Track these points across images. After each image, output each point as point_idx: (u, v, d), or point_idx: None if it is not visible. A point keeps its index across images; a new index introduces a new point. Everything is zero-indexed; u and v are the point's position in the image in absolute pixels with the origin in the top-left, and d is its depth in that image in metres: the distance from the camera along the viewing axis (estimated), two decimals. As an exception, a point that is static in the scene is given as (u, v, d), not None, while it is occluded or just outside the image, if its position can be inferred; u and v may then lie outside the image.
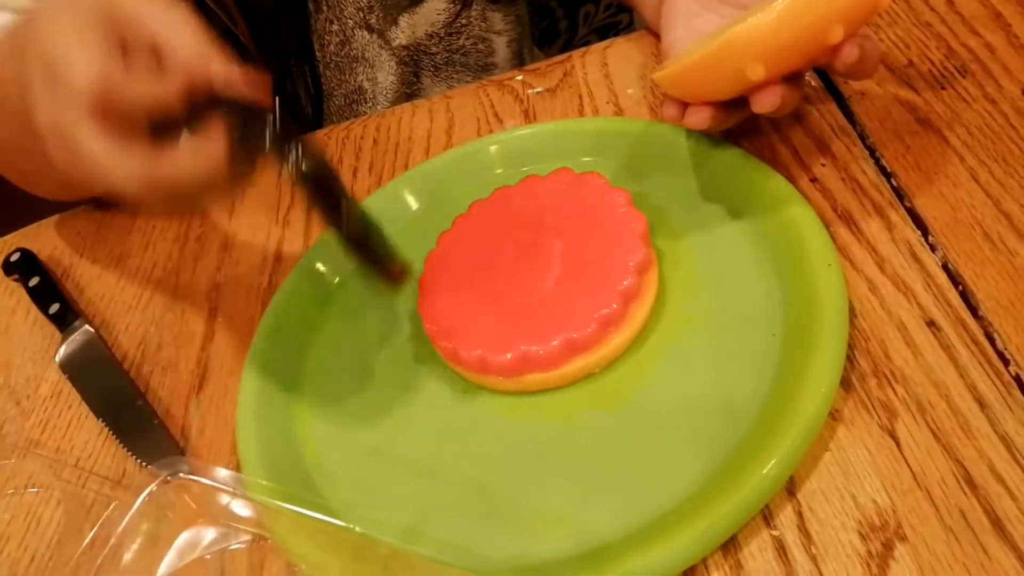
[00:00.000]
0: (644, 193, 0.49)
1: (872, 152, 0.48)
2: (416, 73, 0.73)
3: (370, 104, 0.73)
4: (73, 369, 0.52)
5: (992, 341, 0.39)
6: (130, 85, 0.36)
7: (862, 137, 0.49)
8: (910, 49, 0.53)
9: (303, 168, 0.37)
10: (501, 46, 0.74)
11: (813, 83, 0.54)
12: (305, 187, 0.38)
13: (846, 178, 0.47)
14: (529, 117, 0.60)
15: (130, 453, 0.47)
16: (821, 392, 0.37)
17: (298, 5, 0.68)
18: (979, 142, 0.47)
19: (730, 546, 0.36)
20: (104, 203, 0.66)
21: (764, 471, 0.35)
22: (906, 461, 0.36)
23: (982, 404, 0.37)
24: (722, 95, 0.44)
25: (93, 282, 0.60)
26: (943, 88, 0.50)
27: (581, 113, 0.59)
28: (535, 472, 0.40)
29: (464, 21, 0.71)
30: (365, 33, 0.69)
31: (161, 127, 0.37)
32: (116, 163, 0.35)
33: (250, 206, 0.62)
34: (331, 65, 0.71)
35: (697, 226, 0.48)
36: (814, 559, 0.34)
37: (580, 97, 0.60)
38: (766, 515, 0.36)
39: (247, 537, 0.36)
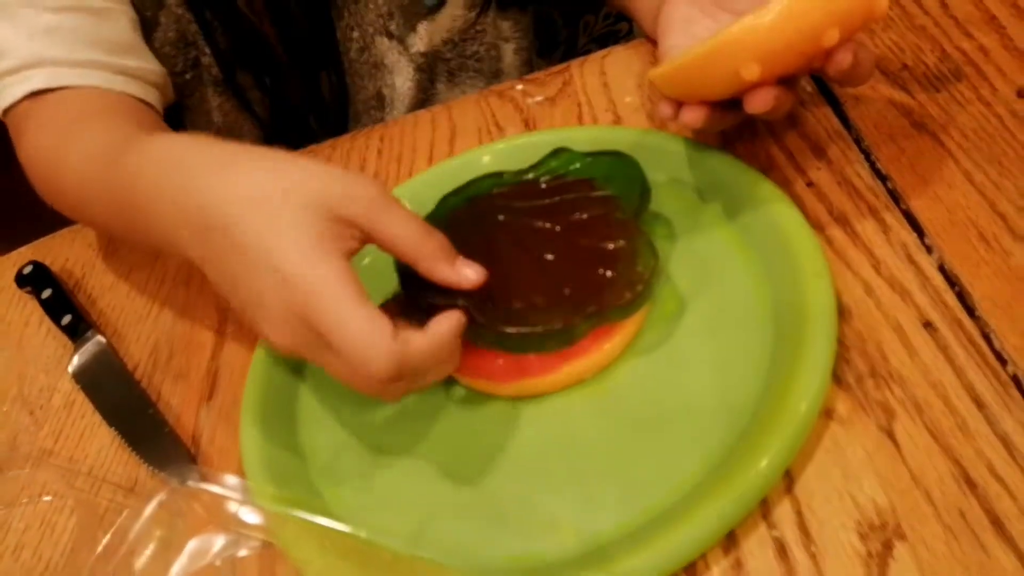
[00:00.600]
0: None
1: (867, 155, 0.49)
2: (432, 79, 0.74)
3: (388, 110, 0.74)
4: (85, 379, 0.53)
5: (989, 341, 0.39)
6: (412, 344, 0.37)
7: (857, 140, 0.50)
8: (904, 52, 0.54)
9: None
10: (508, 53, 0.75)
11: (808, 88, 0.54)
12: None
13: (841, 181, 0.48)
14: (529, 126, 0.61)
15: (142, 461, 0.47)
16: (812, 390, 0.37)
17: (323, 12, 0.69)
18: (974, 144, 0.47)
19: (730, 545, 0.36)
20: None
21: (759, 467, 0.36)
22: (904, 461, 0.37)
23: (980, 404, 0.37)
24: (716, 95, 0.45)
25: (105, 293, 0.60)
26: (938, 91, 0.51)
27: (580, 121, 0.60)
28: (535, 474, 0.41)
29: (480, 27, 0.71)
30: (385, 40, 0.70)
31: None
32: (372, 342, 0.36)
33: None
34: (351, 71, 0.72)
35: (690, 232, 0.49)
36: (814, 558, 0.35)
37: (579, 106, 0.61)
38: (766, 514, 0.37)
39: (256, 543, 0.37)
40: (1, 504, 0.48)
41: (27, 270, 0.62)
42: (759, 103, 0.42)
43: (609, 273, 0.43)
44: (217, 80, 0.70)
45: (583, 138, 0.55)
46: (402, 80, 0.73)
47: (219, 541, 0.37)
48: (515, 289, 0.43)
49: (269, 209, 0.38)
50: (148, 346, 0.55)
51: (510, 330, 0.42)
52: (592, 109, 0.60)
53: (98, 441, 0.51)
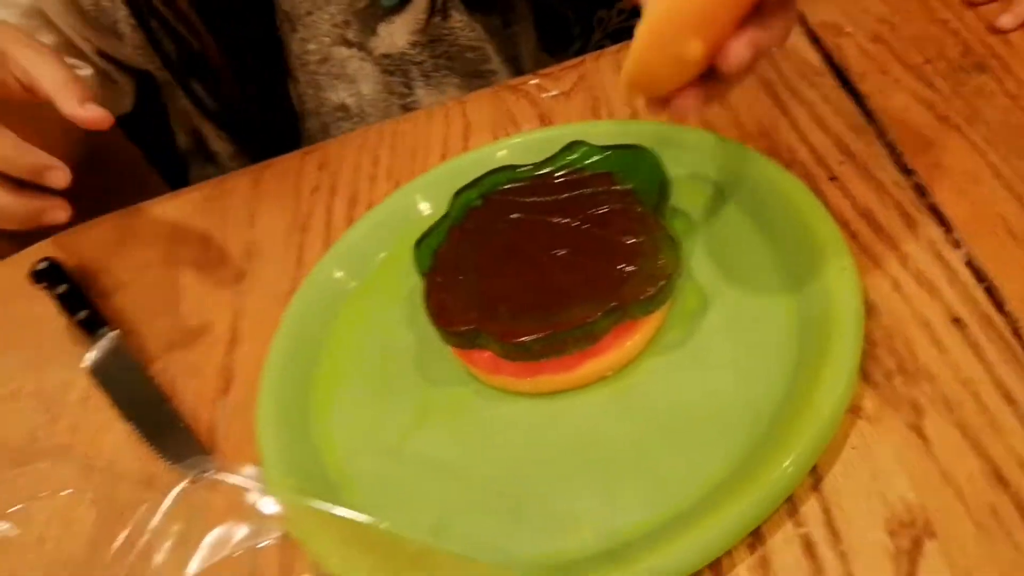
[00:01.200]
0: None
1: (892, 149, 0.48)
2: (407, 84, 0.73)
3: (356, 119, 0.73)
4: (101, 374, 0.53)
5: (1019, 336, 0.39)
6: None
7: (881, 134, 0.49)
8: (927, 47, 0.53)
9: None
10: (492, 53, 0.74)
11: (830, 82, 0.54)
12: None
13: (866, 175, 0.48)
14: (544, 121, 0.61)
15: (158, 456, 0.47)
16: (838, 387, 0.37)
17: (268, 26, 0.68)
18: (1001, 138, 0.47)
19: (756, 543, 0.36)
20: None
21: (784, 465, 0.35)
22: (934, 458, 0.36)
23: (1010, 400, 0.37)
24: (682, 79, 0.39)
25: (119, 289, 0.60)
26: (962, 85, 0.50)
27: (596, 116, 0.59)
28: (556, 471, 0.41)
29: (445, 30, 0.70)
30: (343, 49, 0.70)
31: None
32: None
33: (271, 212, 0.62)
34: (312, 84, 0.71)
35: (711, 226, 0.48)
36: (842, 556, 0.34)
37: (595, 100, 0.61)
38: (792, 512, 0.36)
39: (276, 534, 0.37)
40: (23, 498, 0.48)
41: (42, 266, 0.61)
42: (732, 62, 0.36)
43: (630, 268, 0.43)
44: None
45: (600, 132, 0.54)
46: (369, 86, 0.72)
47: (239, 532, 0.37)
48: (534, 289, 0.43)
49: None
50: (163, 341, 0.55)
51: (527, 339, 0.41)
52: (608, 104, 0.60)
53: (114, 436, 0.50)
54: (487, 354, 0.43)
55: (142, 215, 0.67)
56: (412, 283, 0.49)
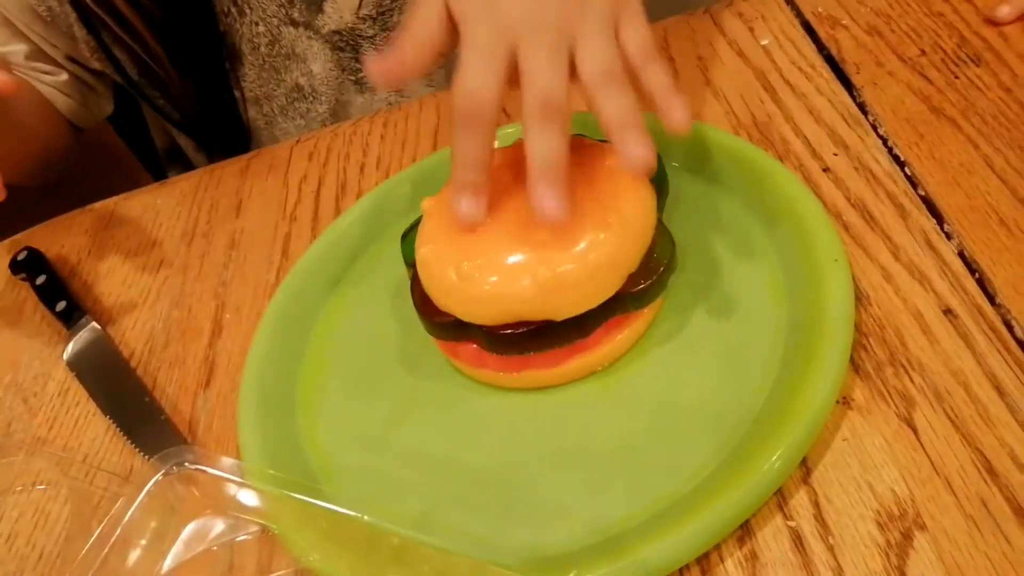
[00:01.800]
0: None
1: (884, 141, 0.48)
2: (357, 59, 0.72)
3: (311, 99, 0.73)
4: (80, 367, 0.52)
5: (1010, 328, 0.38)
6: None
7: (874, 127, 0.49)
8: (922, 38, 0.53)
9: None
10: None
11: (824, 74, 0.53)
12: None
13: (859, 167, 0.47)
14: (537, 111, 0.60)
15: (137, 449, 0.46)
16: (828, 378, 0.36)
17: (209, 19, 0.68)
18: (994, 130, 0.46)
19: (745, 536, 0.35)
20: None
21: (773, 457, 0.35)
22: (924, 450, 0.35)
23: (1001, 391, 0.36)
24: None
25: (100, 280, 0.59)
26: (956, 77, 0.50)
27: (590, 107, 0.59)
28: (544, 465, 0.40)
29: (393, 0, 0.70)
30: (291, 29, 0.69)
31: None
32: None
33: (257, 202, 0.61)
34: (266, 67, 0.71)
35: (705, 219, 0.48)
36: (831, 549, 0.34)
37: (588, 91, 0.60)
38: (782, 505, 0.35)
39: (255, 528, 0.36)
40: (-6, 492, 0.47)
41: (21, 256, 0.60)
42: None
43: None
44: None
45: (595, 124, 0.53)
46: (320, 64, 0.71)
47: (217, 526, 0.36)
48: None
49: None
50: (144, 333, 0.54)
51: (514, 331, 0.40)
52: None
53: (93, 429, 0.49)
54: (472, 347, 0.42)
55: (126, 205, 0.66)
56: (399, 274, 0.48)
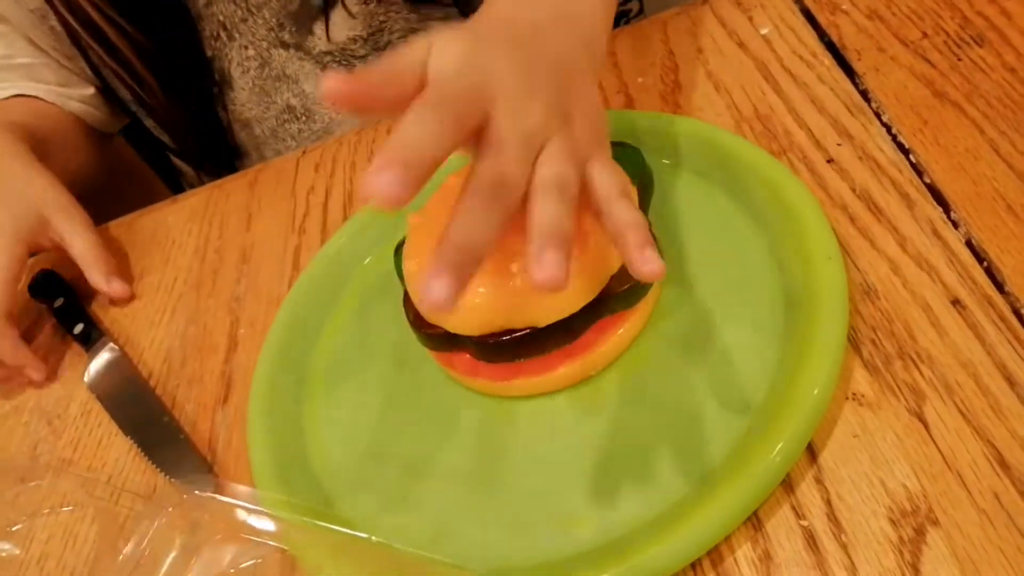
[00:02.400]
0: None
1: (888, 129, 0.47)
2: None
3: (304, 119, 0.74)
4: (100, 389, 0.53)
5: (1020, 317, 0.38)
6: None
7: (878, 114, 0.48)
8: (924, 21, 0.52)
9: None
10: None
11: (826, 62, 0.53)
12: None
13: (863, 156, 0.47)
14: (540, 112, 0.60)
15: (159, 470, 0.47)
16: (824, 371, 0.36)
17: (195, 42, 0.69)
18: (999, 113, 0.46)
19: (758, 537, 0.35)
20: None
21: (777, 446, 0.35)
22: (935, 444, 0.35)
23: (1012, 382, 0.36)
24: None
25: (117, 300, 0.60)
26: (959, 59, 0.49)
27: (591, 105, 0.58)
28: (548, 470, 0.40)
29: (381, 17, 0.70)
30: (282, 51, 0.70)
31: None
32: None
33: (266, 215, 0.62)
34: (256, 89, 0.72)
35: (698, 217, 0.47)
36: (844, 547, 0.34)
37: (590, 89, 0.60)
38: (794, 504, 0.36)
39: (271, 552, 0.37)
40: (24, 514, 0.48)
41: (39, 279, 0.61)
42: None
43: None
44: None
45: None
46: (312, 85, 0.72)
47: (234, 551, 0.37)
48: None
49: None
50: (161, 352, 0.55)
51: (504, 338, 0.40)
52: (603, 91, 0.59)
53: (116, 449, 0.50)
54: (466, 357, 0.43)
55: (140, 223, 0.67)
56: (398, 286, 0.48)
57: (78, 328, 0.56)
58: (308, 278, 0.53)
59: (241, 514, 0.35)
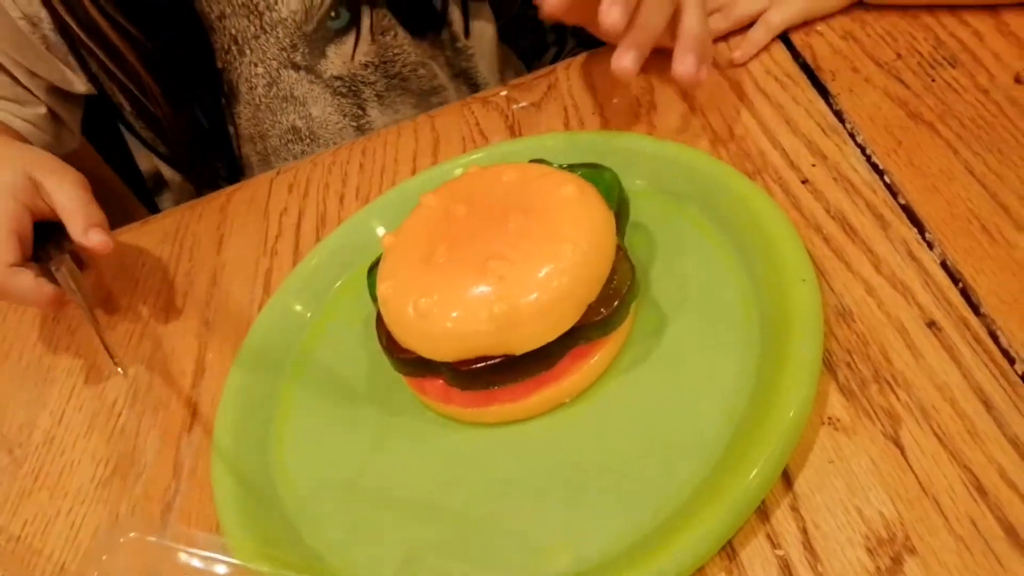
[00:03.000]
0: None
1: (863, 150, 0.47)
2: (360, 106, 0.72)
3: (308, 141, 0.73)
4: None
5: (996, 339, 0.37)
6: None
7: (852, 135, 0.48)
8: (898, 42, 0.52)
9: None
10: (438, 69, 0.73)
11: (800, 82, 0.52)
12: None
13: (838, 177, 0.46)
14: (515, 132, 0.60)
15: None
16: (799, 396, 0.36)
17: (206, 55, 0.68)
18: (972, 133, 0.45)
19: (733, 567, 0.34)
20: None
21: (752, 472, 0.34)
22: (912, 469, 0.35)
23: (988, 406, 0.35)
24: None
25: (84, 324, 0.59)
26: (933, 80, 0.49)
27: (567, 126, 0.58)
28: (521, 500, 0.39)
29: (395, 50, 0.70)
30: (292, 72, 0.69)
31: None
32: None
33: (238, 237, 0.61)
34: (262, 107, 0.71)
35: (672, 240, 0.47)
36: (821, 577, 0.33)
37: (565, 109, 0.59)
38: (770, 534, 0.35)
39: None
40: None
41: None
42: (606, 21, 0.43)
43: None
44: None
45: (562, 146, 0.53)
46: (319, 108, 0.71)
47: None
48: None
49: None
50: (128, 377, 0.54)
51: (478, 365, 0.39)
52: (579, 112, 0.59)
53: (78, 479, 0.49)
54: (439, 383, 0.42)
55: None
56: (370, 309, 0.47)
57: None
58: (278, 301, 0.52)
59: (198, 562, 0.34)
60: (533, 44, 0.88)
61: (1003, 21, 0.50)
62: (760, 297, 0.41)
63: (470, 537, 0.39)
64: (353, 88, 0.70)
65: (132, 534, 0.33)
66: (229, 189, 0.67)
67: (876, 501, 0.34)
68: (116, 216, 0.69)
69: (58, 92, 0.70)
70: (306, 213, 0.60)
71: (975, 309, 0.39)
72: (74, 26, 0.63)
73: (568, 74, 0.62)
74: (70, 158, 0.76)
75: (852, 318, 0.40)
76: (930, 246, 0.42)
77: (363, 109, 0.72)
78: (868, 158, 0.47)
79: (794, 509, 0.35)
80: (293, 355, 0.50)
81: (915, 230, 0.42)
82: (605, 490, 0.38)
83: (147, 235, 0.65)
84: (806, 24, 0.56)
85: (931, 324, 0.39)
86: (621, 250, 0.42)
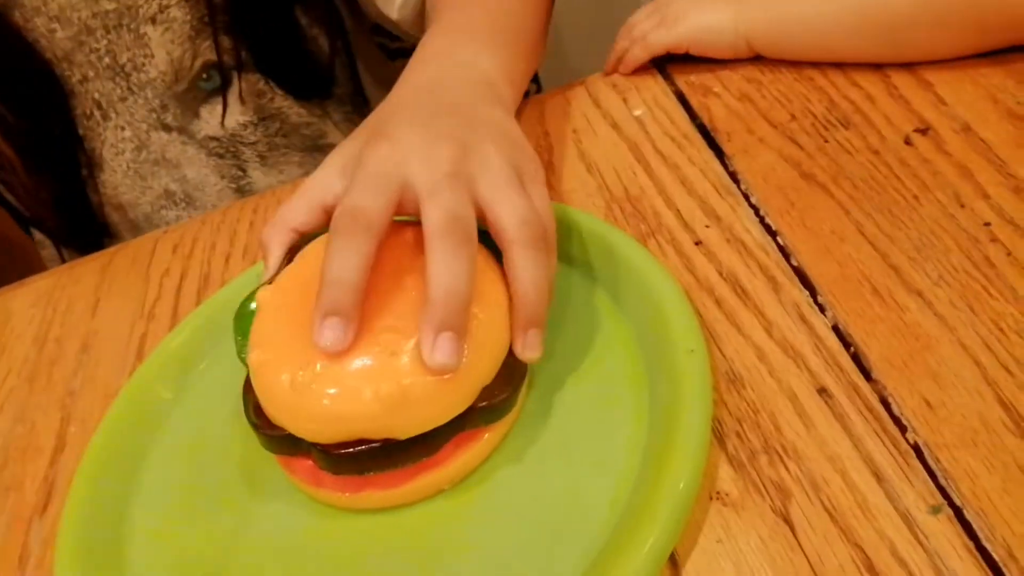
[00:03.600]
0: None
1: (756, 211, 0.46)
2: (240, 167, 0.69)
3: (184, 205, 0.69)
4: None
5: (887, 406, 0.36)
6: None
7: (746, 196, 0.47)
8: (792, 103, 0.52)
9: None
10: (331, 127, 0.71)
11: (696, 143, 0.52)
12: None
13: (731, 239, 0.45)
14: (412, 191, 0.57)
15: None
16: (685, 472, 0.34)
17: (66, 121, 0.65)
18: (864, 194, 0.45)
19: (614, 661, 0.32)
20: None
21: (638, 560, 0.32)
22: (802, 548, 0.33)
23: (879, 478, 0.34)
24: None
25: (-63, 395, 0.54)
26: (826, 141, 0.49)
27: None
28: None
29: (274, 109, 0.68)
30: (163, 134, 0.66)
31: None
32: None
33: (116, 300, 0.57)
34: (130, 172, 0.68)
35: (561, 310, 0.44)
36: (706, 671, 0.30)
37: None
38: (654, 621, 0.32)
39: None
40: None
41: None
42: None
43: None
44: None
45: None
46: (195, 171, 0.68)
47: None
48: None
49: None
50: (-21, 453, 0.49)
51: (353, 449, 0.35)
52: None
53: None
54: (309, 463, 0.38)
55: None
56: (239, 381, 0.43)
57: None
58: (146, 369, 0.48)
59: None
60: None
61: (893, 84, 0.51)
62: (650, 368, 0.39)
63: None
64: (231, 149, 0.67)
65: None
66: (112, 249, 0.63)
67: (765, 584, 0.32)
68: (19, 266, 0.65)
69: None
70: (189, 274, 0.57)
71: (866, 375, 0.37)
72: None
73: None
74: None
75: (743, 385, 0.38)
76: (822, 309, 0.40)
77: (243, 170, 0.69)
78: (762, 219, 0.46)
79: (680, 594, 0.33)
80: (158, 427, 0.46)
81: (807, 293, 0.41)
82: (491, 576, 0.35)
83: (20, 297, 0.61)
84: (703, 85, 0.56)
85: (822, 391, 0.37)
86: None
